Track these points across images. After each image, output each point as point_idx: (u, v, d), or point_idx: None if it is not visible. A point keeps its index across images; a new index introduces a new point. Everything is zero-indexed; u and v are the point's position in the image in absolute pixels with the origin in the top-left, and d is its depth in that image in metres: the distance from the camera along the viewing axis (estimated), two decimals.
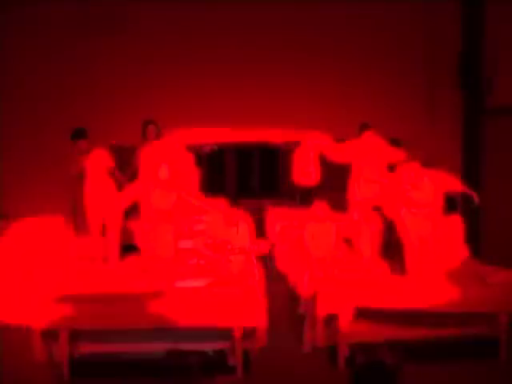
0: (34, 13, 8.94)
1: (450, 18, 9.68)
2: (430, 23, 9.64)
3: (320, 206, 8.00)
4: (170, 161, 7.25)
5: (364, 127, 8.41)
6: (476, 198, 7.34)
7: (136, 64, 9.20)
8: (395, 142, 9.10)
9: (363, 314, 7.06)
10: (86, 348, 6.99)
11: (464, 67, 9.57)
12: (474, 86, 9.59)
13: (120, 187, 8.59)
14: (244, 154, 17.45)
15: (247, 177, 17.71)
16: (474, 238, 9.44)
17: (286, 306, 8.95)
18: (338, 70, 9.48)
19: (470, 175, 9.84)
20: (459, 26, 9.71)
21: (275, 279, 10.07)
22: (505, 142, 9.27)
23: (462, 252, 8.32)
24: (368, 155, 8.41)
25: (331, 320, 7.02)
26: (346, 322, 6.88)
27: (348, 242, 9.57)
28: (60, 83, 9.13)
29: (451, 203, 8.14)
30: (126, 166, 8.69)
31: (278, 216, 12.72)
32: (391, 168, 7.79)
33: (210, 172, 17.76)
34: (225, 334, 6.78)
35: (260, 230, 13.72)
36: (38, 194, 9.11)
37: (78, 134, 8.35)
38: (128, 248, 9.06)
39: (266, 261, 8.93)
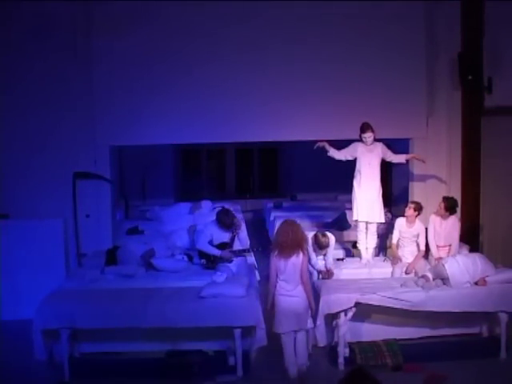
0: (34, 11, 8.93)
1: (450, 18, 9.67)
2: (430, 23, 9.64)
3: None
4: None
5: (364, 127, 8.39)
6: None
7: (136, 64, 9.19)
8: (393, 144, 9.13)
9: (363, 313, 7.07)
10: (86, 348, 7.01)
11: (464, 67, 9.56)
12: (473, 86, 9.58)
13: None
14: (244, 153, 17.60)
15: (247, 177, 17.85)
16: (473, 238, 9.45)
17: None
18: (338, 70, 9.46)
19: (470, 175, 9.83)
20: (459, 25, 9.70)
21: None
22: (504, 143, 9.26)
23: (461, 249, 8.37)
24: (368, 155, 8.41)
25: (331, 320, 7.02)
26: (345, 322, 6.88)
27: (348, 243, 9.61)
28: (60, 83, 9.11)
29: (452, 205, 8.16)
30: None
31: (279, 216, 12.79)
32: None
33: (210, 172, 17.91)
34: (225, 333, 6.79)
35: (260, 230, 13.82)
36: (38, 194, 9.09)
37: None
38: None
39: None
